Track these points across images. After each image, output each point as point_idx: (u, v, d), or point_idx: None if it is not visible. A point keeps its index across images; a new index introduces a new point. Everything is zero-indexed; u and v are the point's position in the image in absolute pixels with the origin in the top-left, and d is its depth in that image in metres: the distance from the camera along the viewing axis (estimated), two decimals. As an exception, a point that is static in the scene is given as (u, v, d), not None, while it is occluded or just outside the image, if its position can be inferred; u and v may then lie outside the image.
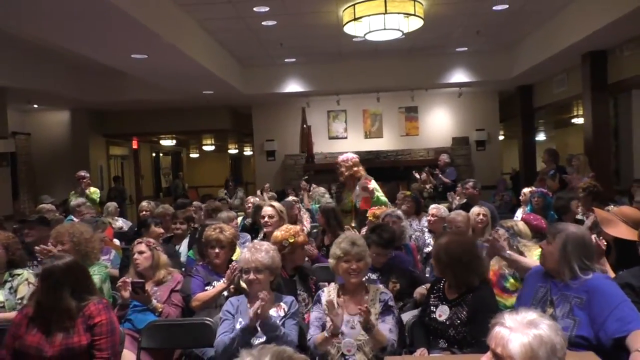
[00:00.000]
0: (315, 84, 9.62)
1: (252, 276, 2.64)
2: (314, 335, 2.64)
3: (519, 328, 1.41)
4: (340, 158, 4.98)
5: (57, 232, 3.43)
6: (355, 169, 4.88)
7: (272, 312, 2.64)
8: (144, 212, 5.88)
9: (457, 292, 2.61)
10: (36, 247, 3.47)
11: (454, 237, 2.77)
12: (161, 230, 4.58)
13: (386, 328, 2.57)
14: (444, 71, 9.43)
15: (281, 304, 2.69)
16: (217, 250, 3.35)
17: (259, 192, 7.07)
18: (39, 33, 5.38)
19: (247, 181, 18.50)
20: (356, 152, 10.36)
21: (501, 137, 11.93)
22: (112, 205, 6.90)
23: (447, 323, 2.55)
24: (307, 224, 5.54)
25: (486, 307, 2.37)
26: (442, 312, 2.59)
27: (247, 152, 17.67)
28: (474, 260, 2.58)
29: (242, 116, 12.25)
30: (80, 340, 2.41)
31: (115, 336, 2.51)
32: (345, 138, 11.07)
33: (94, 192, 7.39)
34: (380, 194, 4.79)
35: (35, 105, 9.91)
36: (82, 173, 7.30)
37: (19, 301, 3.10)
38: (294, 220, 5.04)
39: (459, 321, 2.51)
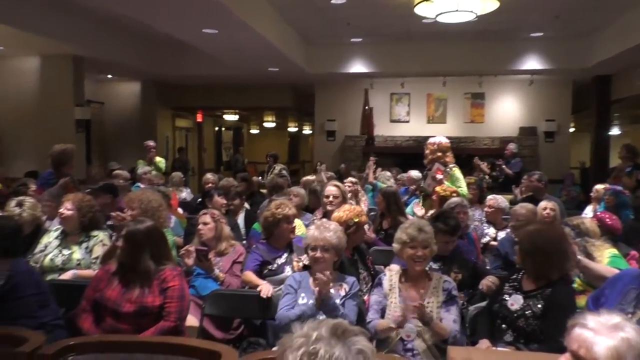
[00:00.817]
0: (380, 65, 9.47)
1: (318, 254, 2.65)
2: (374, 319, 2.64)
3: (603, 330, 1.34)
4: (429, 140, 4.76)
5: (129, 198, 3.59)
6: (439, 154, 4.60)
7: (333, 291, 2.65)
8: (209, 184, 6.02)
9: (535, 285, 2.51)
10: (112, 214, 3.63)
11: (543, 226, 2.67)
12: (224, 201, 4.68)
13: (450, 318, 2.51)
14: (516, 57, 9.02)
15: (343, 284, 2.68)
16: (285, 226, 3.38)
17: (321, 171, 7.04)
18: (115, 5, 5.57)
19: (304, 160, 18.65)
20: (417, 137, 10.44)
21: (571, 130, 11.35)
22: (177, 175, 7.13)
23: (519, 313, 2.48)
24: (364, 205, 5.48)
25: (563, 305, 2.27)
26: (514, 301, 2.51)
27: (306, 130, 17.75)
28: (558, 253, 2.47)
29: (304, 95, 12.28)
30: (154, 300, 2.54)
31: (184, 302, 2.61)
32: (407, 122, 10.87)
33: (160, 161, 7.67)
34: (458, 186, 4.54)
35: (109, 76, 10.34)
36: (151, 143, 7.58)
37: (94, 260, 3.28)
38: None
39: (531, 313, 2.43)
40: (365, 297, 3.12)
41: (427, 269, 2.75)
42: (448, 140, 4.75)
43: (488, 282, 3.03)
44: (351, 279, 2.74)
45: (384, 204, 4.51)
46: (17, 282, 2.54)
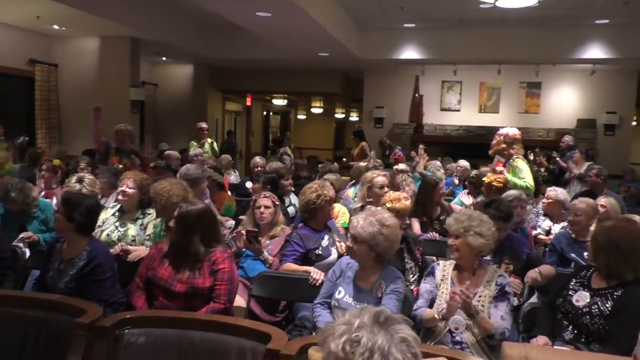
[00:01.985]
0: (433, 52, 9.23)
1: (349, 242, 2.58)
2: (422, 307, 2.58)
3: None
4: (499, 131, 4.59)
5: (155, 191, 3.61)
6: (504, 145, 4.41)
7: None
8: (258, 168, 6.06)
9: (606, 283, 2.38)
10: None
11: (621, 222, 2.51)
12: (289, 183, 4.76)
13: (497, 314, 2.42)
14: (578, 45, 8.59)
15: (382, 282, 2.50)
16: (328, 208, 3.35)
17: (370, 157, 6.97)
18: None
19: (350, 146, 18.58)
20: (468, 127, 10.18)
21: (633, 123, 10.76)
22: (226, 158, 7.23)
23: (584, 310, 2.36)
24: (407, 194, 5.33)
25: (636, 308, 2.14)
26: (580, 298, 2.40)
27: (353, 117, 17.65)
28: (635, 252, 2.33)
29: (353, 81, 12.17)
30: (204, 282, 2.57)
31: (233, 285, 2.63)
32: (458, 111, 10.60)
33: (212, 143, 7.81)
34: (521, 177, 4.33)
35: (164, 58, 10.56)
36: (204, 125, 7.70)
37: (147, 237, 3.36)
38: (397, 189, 4.94)
39: (598, 312, 2.31)
40: (413, 288, 3.07)
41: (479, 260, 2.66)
42: (518, 132, 4.53)
43: (534, 274, 2.93)
44: (390, 274, 2.55)
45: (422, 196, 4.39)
46: (97, 264, 2.63)
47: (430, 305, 2.59)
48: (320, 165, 6.13)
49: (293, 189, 5.49)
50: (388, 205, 3.27)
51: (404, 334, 1.11)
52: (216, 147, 7.83)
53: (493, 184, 4.17)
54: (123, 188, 3.43)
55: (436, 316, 2.45)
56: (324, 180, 4.38)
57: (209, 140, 7.73)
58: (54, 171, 4.92)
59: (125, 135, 5.43)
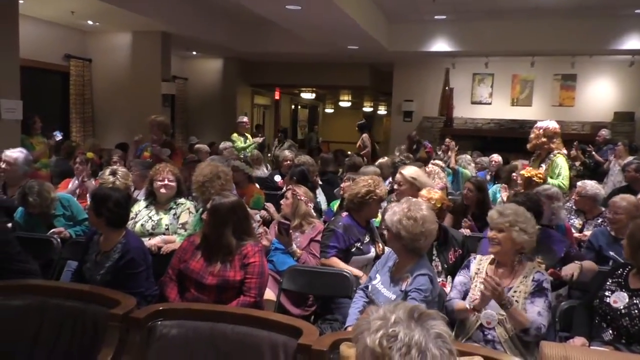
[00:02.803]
0: (464, 44, 9.06)
1: (385, 231, 2.56)
2: (453, 298, 2.55)
3: None
4: (536, 124, 4.44)
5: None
6: (544, 139, 4.26)
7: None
8: (287, 162, 6.06)
9: None
10: None
11: None
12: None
13: (534, 310, 2.35)
14: (616, 36, 8.29)
15: (407, 276, 2.43)
16: (376, 207, 3.30)
17: (397, 151, 6.90)
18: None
19: (377, 140, 18.44)
20: (500, 120, 9.97)
21: (674, 116, 10.35)
22: (255, 153, 7.26)
23: (623, 312, 2.28)
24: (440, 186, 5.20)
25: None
26: (618, 299, 2.31)
27: (381, 111, 17.50)
28: None
29: (381, 74, 12.06)
30: (235, 275, 2.59)
31: (264, 278, 2.65)
32: (490, 104, 10.39)
33: (238, 138, 7.90)
34: (556, 175, 4.19)
35: (194, 52, 10.66)
36: (245, 119, 7.95)
37: (180, 226, 3.41)
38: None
39: (638, 313, 2.23)
40: (440, 283, 3.00)
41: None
42: (557, 126, 4.37)
43: (572, 268, 2.83)
44: (419, 271, 2.43)
45: (475, 196, 4.27)
46: (131, 257, 2.67)
47: (464, 299, 2.54)
48: (346, 159, 6.09)
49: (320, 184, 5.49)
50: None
51: (439, 329, 1.11)
52: (241, 143, 7.95)
53: (533, 179, 4.03)
54: (164, 182, 3.47)
55: (468, 306, 2.40)
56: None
57: (234, 135, 7.83)
58: (87, 163, 5.01)
59: (153, 126, 5.50)
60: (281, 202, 3.50)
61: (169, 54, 8.72)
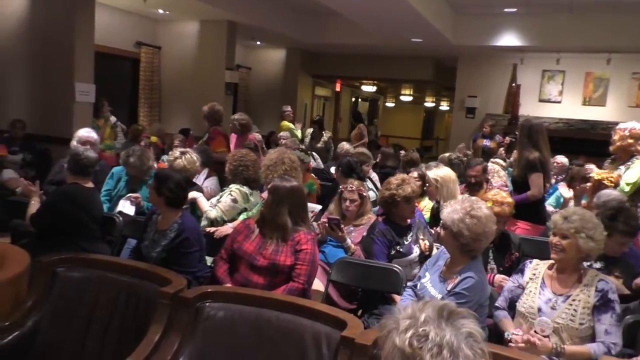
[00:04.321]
0: (534, 39, 8.63)
1: (439, 229, 2.49)
2: (500, 307, 2.47)
3: None
4: (619, 125, 4.22)
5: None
6: (630, 141, 4.03)
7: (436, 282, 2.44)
8: (345, 154, 6.03)
9: None
10: None
11: None
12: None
13: (601, 330, 2.18)
14: None
15: (455, 276, 2.34)
16: (405, 206, 3.20)
17: (460, 150, 6.71)
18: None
19: (438, 137, 18.06)
20: (569, 120, 9.47)
21: None
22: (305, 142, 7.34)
23: None
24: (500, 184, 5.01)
25: None
26: None
27: (443, 106, 17.10)
28: None
29: (445, 68, 11.75)
30: (285, 259, 2.63)
31: (314, 267, 2.67)
32: (559, 102, 9.88)
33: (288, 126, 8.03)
34: (627, 182, 3.92)
35: (258, 42, 10.79)
36: (288, 108, 7.94)
37: (216, 202, 3.63)
38: (486, 181, 4.70)
39: None
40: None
41: (586, 266, 2.44)
42: None
43: None
44: (470, 271, 2.34)
45: None
46: (186, 237, 2.76)
47: (511, 305, 2.46)
48: (402, 155, 5.98)
49: (375, 175, 5.42)
50: (489, 204, 3.09)
51: (469, 328, 1.06)
52: (298, 133, 8.03)
53: (604, 182, 3.80)
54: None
55: (505, 336, 2.29)
56: (413, 170, 4.27)
57: (288, 123, 7.95)
58: (150, 147, 5.21)
59: (204, 117, 5.67)
60: (347, 204, 3.39)
61: (234, 43, 8.86)
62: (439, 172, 3.96)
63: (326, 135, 8.31)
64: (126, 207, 3.65)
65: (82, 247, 2.94)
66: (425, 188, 4.08)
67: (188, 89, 8.70)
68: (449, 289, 2.31)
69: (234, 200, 3.59)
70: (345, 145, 6.34)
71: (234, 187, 3.66)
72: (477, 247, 2.33)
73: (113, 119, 6.92)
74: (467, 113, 10.59)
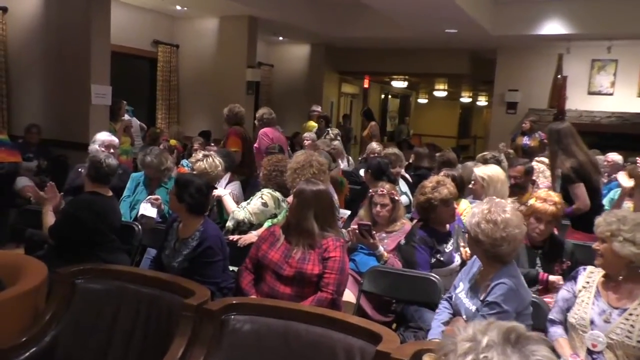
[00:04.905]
0: (583, 26, 8.43)
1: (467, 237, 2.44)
2: (555, 320, 2.40)
3: None
4: None
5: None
6: None
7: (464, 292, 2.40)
8: (374, 154, 6.02)
9: None
10: None
11: None
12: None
13: None
14: None
15: (488, 284, 2.29)
16: (444, 209, 3.17)
17: (501, 151, 6.60)
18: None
19: (476, 135, 17.84)
20: (623, 114, 9.25)
21: None
22: (337, 144, 7.31)
23: None
24: (545, 185, 4.92)
25: None
26: None
27: (481, 102, 16.91)
28: None
29: (482, 61, 11.61)
30: (313, 268, 2.65)
31: (344, 276, 2.67)
32: (611, 94, 9.65)
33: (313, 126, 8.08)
34: None
35: (280, 38, 10.87)
36: (319, 108, 7.95)
37: (245, 205, 3.68)
38: (532, 182, 4.64)
39: None
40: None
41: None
42: None
43: None
44: (502, 278, 2.26)
45: None
46: (209, 246, 2.80)
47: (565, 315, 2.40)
48: (437, 155, 5.93)
49: (408, 177, 5.40)
50: (531, 201, 3.06)
51: (541, 356, 0.98)
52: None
53: None
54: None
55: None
56: (447, 172, 4.23)
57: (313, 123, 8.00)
58: (170, 151, 5.28)
59: (225, 120, 5.83)
60: (377, 209, 3.38)
61: (255, 40, 8.95)
62: (487, 170, 3.92)
63: (332, 132, 8.14)
64: (147, 209, 3.70)
65: (101, 257, 3.01)
66: (471, 186, 4.04)
67: (207, 89, 8.82)
68: (482, 299, 2.28)
69: (265, 204, 3.62)
70: (373, 146, 6.33)
71: (265, 191, 3.71)
72: (501, 253, 2.26)
73: (132, 120, 7.06)
74: (508, 108, 10.43)
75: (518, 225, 2.28)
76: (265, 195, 3.67)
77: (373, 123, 9.42)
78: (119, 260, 3.11)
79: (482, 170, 3.93)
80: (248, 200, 3.75)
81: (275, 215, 3.66)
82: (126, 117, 6.92)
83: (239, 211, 3.59)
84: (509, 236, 2.24)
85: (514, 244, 2.28)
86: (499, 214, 2.26)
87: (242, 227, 3.57)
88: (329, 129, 8.29)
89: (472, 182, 4.02)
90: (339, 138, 7.84)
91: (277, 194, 3.71)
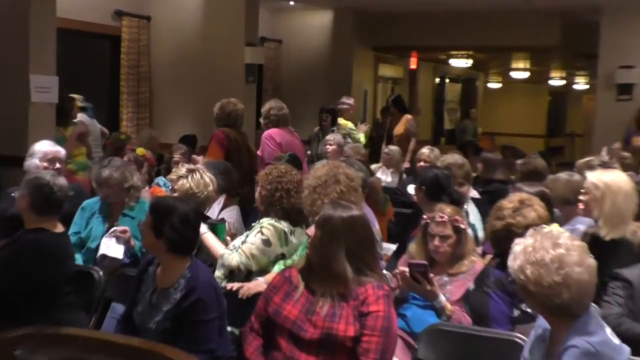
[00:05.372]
0: None
1: None
2: None
3: None
4: None
5: None
6: None
7: None
8: (421, 163, 6.03)
9: None
10: None
11: None
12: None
13: None
14: None
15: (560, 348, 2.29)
16: None
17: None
18: None
19: (574, 132, 17.71)
20: None
21: None
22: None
23: None
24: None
25: None
26: None
27: (579, 84, 16.83)
28: None
29: (579, 28, 11.60)
30: (346, 329, 2.61)
31: (390, 339, 2.63)
32: None
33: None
34: None
35: (292, 2, 10.93)
36: (351, 101, 8.12)
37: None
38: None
39: None
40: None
41: None
42: None
43: None
44: (571, 341, 2.25)
45: None
46: (198, 298, 2.79)
47: None
48: (518, 162, 5.89)
49: (476, 194, 5.37)
50: None
51: None
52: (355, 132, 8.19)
53: None
54: None
55: None
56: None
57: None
58: (138, 164, 5.30)
59: (215, 120, 5.93)
60: (435, 243, 3.39)
61: (257, 7, 9.01)
62: (605, 176, 3.82)
63: (340, 131, 8.17)
64: (111, 247, 3.72)
65: (51, 317, 3.02)
66: (581, 197, 3.96)
67: (191, 77, 8.87)
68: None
69: (266, 241, 3.63)
70: (425, 152, 6.32)
71: (265, 222, 3.71)
72: (564, 303, 2.24)
73: (92, 123, 7.16)
74: (620, 93, 10.34)
75: (580, 262, 2.26)
76: (266, 228, 3.67)
77: (409, 116, 9.36)
78: (75, 321, 3.13)
79: (597, 176, 3.84)
80: (244, 236, 3.77)
81: (283, 256, 3.68)
82: (82, 118, 7.00)
83: (230, 254, 3.60)
84: (567, 280, 2.22)
85: (578, 288, 2.26)
86: (547, 251, 2.25)
87: (238, 276, 3.58)
88: (336, 127, 8.33)
89: (583, 192, 3.92)
90: (349, 139, 7.89)
91: (283, 225, 3.71)
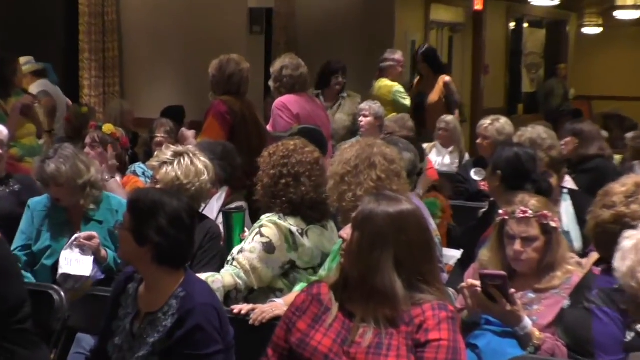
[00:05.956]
0: None
1: None
2: None
3: None
4: None
5: None
6: None
7: None
8: (488, 140, 6.06)
9: None
10: None
11: None
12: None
13: None
14: None
15: None
16: None
17: None
18: None
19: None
20: None
21: None
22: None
23: None
24: None
25: None
26: None
27: None
28: None
29: None
30: None
31: (457, 374, 2.66)
32: None
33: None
34: None
35: None
36: (397, 56, 8.20)
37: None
38: None
39: None
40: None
41: None
42: None
43: None
44: None
45: None
46: (196, 325, 2.82)
47: None
48: (628, 136, 5.88)
49: (570, 180, 5.39)
50: None
51: None
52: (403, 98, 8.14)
53: None
54: None
55: None
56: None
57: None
58: (104, 145, 5.33)
59: (211, 84, 5.95)
60: (515, 248, 3.42)
61: None
62: None
63: (352, 100, 8.21)
64: (74, 262, 3.72)
65: (4, 352, 3.06)
66: None
67: (175, 30, 8.93)
68: None
69: (268, 245, 3.68)
70: (486, 123, 6.31)
71: (266, 220, 3.75)
72: None
73: (55, 92, 7.25)
74: None
75: None
76: (266, 227, 3.72)
77: (447, 78, 9.26)
78: (33, 357, 3.16)
79: None
80: (241, 244, 3.80)
81: (292, 265, 3.72)
82: (44, 86, 7.08)
83: (225, 271, 3.64)
84: None
85: None
86: None
87: (237, 299, 3.62)
88: (343, 94, 8.29)
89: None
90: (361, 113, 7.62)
91: (288, 224, 3.75)
